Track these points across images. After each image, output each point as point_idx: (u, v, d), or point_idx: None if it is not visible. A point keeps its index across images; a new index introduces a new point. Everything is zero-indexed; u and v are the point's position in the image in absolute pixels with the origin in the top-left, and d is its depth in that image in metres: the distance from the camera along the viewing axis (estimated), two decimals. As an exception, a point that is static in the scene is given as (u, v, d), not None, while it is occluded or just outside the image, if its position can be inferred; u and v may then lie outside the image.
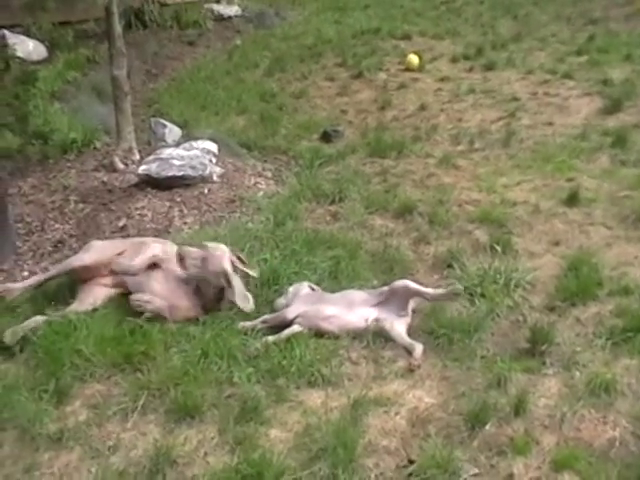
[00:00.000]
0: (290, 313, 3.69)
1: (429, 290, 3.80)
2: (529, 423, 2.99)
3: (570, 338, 3.54)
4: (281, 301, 3.86)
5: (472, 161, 5.92)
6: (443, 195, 5.17)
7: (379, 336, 3.63)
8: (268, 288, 4.08)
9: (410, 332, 3.66)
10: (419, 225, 4.83)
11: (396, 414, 3.09)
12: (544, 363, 3.37)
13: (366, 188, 5.41)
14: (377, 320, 3.67)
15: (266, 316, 3.76)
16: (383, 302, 3.77)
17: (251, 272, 3.92)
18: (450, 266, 4.29)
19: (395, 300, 3.77)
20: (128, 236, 4.57)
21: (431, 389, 3.26)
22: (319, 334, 3.66)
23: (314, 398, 3.21)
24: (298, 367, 3.37)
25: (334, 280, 4.18)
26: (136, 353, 3.46)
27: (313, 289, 3.96)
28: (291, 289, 3.92)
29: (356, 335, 3.64)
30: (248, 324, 3.71)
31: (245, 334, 3.64)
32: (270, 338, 3.56)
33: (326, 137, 6.59)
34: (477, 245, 4.50)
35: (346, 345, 3.59)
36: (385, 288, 3.85)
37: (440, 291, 3.80)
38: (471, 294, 3.95)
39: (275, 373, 3.35)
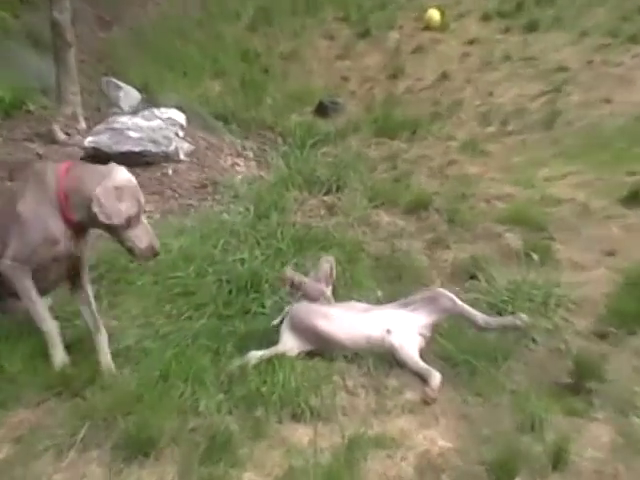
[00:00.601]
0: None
1: (482, 315, 3.79)
2: (571, 479, 2.99)
3: (626, 374, 3.53)
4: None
5: (505, 146, 5.98)
6: (467, 188, 5.21)
7: (383, 359, 3.64)
8: (246, 295, 4.10)
9: (421, 356, 3.68)
10: (435, 224, 4.87)
11: (402, 459, 3.08)
12: (591, 404, 3.37)
13: (370, 176, 5.47)
14: (389, 331, 3.68)
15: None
16: (405, 310, 3.80)
17: None
18: (473, 277, 4.32)
19: (421, 312, 3.79)
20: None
21: (447, 429, 3.25)
22: (309, 354, 3.69)
23: (300, 435, 3.20)
24: (281, 395, 3.35)
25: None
26: (77, 373, 3.43)
27: None
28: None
29: (359, 348, 3.67)
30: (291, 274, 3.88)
31: (217, 352, 3.66)
32: (256, 355, 3.58)
33: (322, 110, 6.65)
34: (508, 252, 4.53)
35: (341, 370, 3.60)
36: (415, 296, 3.87)
37: (498, 319, 3.78)
38: (499, 313, 3.96)
39: (252, 402, 3.33)
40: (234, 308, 4.02)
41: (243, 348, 3.67)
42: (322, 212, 5.05)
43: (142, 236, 3.38)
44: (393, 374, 3.59)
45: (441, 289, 3.91)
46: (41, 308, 3.51)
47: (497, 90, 7.02)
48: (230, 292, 4.12)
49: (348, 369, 3.61)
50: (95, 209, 3.29)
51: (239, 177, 5.48)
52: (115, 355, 3.61)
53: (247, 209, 4.96)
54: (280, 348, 3.64)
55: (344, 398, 3.44)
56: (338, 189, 5.26)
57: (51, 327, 3.51)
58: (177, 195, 5.12)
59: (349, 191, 5.25)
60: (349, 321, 3.72)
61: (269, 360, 3.57)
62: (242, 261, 4.34)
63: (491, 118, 6.49)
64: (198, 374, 3.45)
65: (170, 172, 5.30)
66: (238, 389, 3.41)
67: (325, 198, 5.19)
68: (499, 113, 6.53)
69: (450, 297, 3.81)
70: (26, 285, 3.48)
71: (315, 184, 5.31)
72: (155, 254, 3.46)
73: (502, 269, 4.31)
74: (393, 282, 4.28)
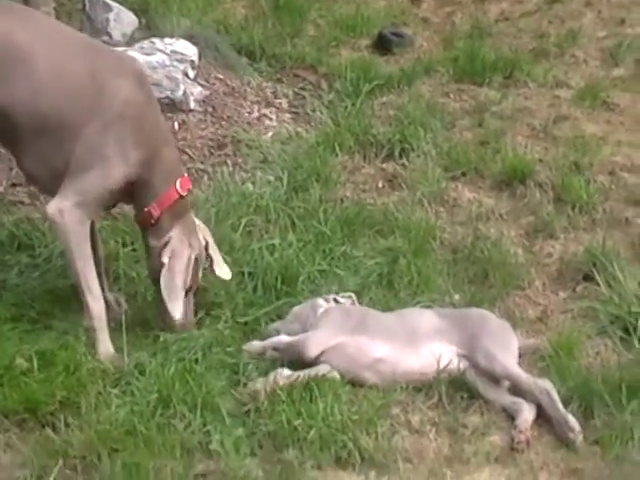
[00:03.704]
0: (312, 345, 3.75)
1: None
2: None
3: None
4: (273, 327, 3.98)
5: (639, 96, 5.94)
6: (583, 154, 5.18)
7: (460, 387, 3.67)
8: (275, 294, 4.16)
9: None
10: (537, 204, 4.88)
11: (485, 527, 3.14)
12: None
13: (447, 136, 5.45)
14: (465, 362, 3.71)
15: (281, 338, 3.84)
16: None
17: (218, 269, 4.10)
18: (589, 278, 4.34)
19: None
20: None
21: (549, 489, 3.29)
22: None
23: (345, 487, 3.26)
24: (321, 432, 3.36)
25: (387, 289, 4.26)
26: (47, 395, 3.48)
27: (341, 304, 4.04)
28: (296, 309, 4.02)
29: (423, 386, 3.70)
30: (256, 345, 3.84)
31: (235, 370, 3.71)
32: (286, 374, 3.63)
33: (383, 44, 6.60)
34: (641, 244, 4.55)
35: (403, 400, 3.63)
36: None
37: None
38: (627, 330, 3.98)
39: (282, 440, 3.36)
40: (259, 311, 4.07)
41: (271, 366, 3.72)
42: (380, 184, 5.08)
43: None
44: (474, 406, 3.61)
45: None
46: (95, 277, 3.85)
47: (630, 16, 6.90)
48: (254, 290, 4.17)
49: (412, 399, 3.64)
50: None
51: (269, 134, 5.50)
52: (98, 372, 3.67)
53: (279, 178, 4.99)
54: (321, 369, 3.69)
55: (406, 439, 3.46)
56: (403, 153, 5.25)
57: (101, 306, 3.85)
58: (185, 157, 5.14)
59: (417, 156, 5.24)
60: (405, 365, 3.73)
61: (305, 385, 3.59)
62: (271, 249, 4.38)
63: (621, 55, 6.39)
64: (210, 400, 3.49)
65: (176, 126, 5.34)
66: (264, 422, 3.44)
67: (385, 165, 5.21)
68: (632, 48, 6.43)
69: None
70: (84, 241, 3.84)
71: (371, 146, 5.31)
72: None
73: (631, 268, 4.31)
74: (475, 282, 4.30)
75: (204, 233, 4.06)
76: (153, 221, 3.87)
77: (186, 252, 3.87)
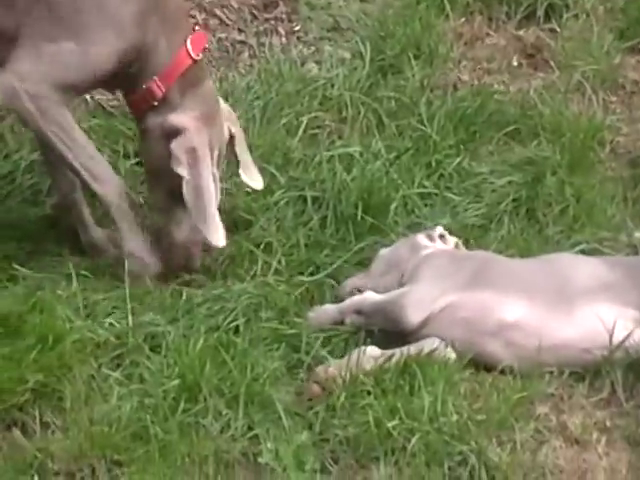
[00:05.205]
0: (411, 306, 3.74)
1: None
2: None
3: None
4: (352, 283, 3.99)
5: None
6: None
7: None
8: (355, 232, 4.17)
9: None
10: None
11: None
12: None
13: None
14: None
15: (367, 296, 3.84)
16: None
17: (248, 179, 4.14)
18: None
19: None
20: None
21: None
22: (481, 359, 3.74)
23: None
24: (427, 440, 3.37)
25: (526, 222, 4.29)
26: (13, 381, 3.49)
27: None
28: (385, 253, 4.03)
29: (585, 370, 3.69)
30: (329, 310, 3.85)
31: (296, 346, 3.72)
32: (371, 352, 3.63)
33: None
34: None
35: (554, 392, 3.63)
36: None
37: None
38: None
39: (367, 450, 3.37)
40: (331, 257, 4.09)
41: (351, 340, 3.75)
42: (516, 62, 5.06)
43: None
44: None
45: None
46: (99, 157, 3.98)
47: None
48: (322, 224, 4.21)
49: (569, 392, 3.65)
50: None
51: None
52: (90, 345, 3.68)
53: (358, 54, 4.99)
54: (426, 345, 3.70)
55: (561, 452, 3.47)
56: (551, 13, 5.21)
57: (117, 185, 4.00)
58: (215, 23, 5.17)
59: (575, 17, 5.22)
60: (553, 335, 3.70)
61: (403, 369, 3.60)
62: (347, 161, 4.39)
63: None
64: (258, 390, 3.51)
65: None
66: (339, 423, 3.45)
67: (522, 32, 5.19)
68: None
69: None
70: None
71: (501, 3, 5.26)
72: None
73: None
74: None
75: (229, 122, 4.08)
76: (156, 102, 3.89)
77: (208, 150, 3.89)
